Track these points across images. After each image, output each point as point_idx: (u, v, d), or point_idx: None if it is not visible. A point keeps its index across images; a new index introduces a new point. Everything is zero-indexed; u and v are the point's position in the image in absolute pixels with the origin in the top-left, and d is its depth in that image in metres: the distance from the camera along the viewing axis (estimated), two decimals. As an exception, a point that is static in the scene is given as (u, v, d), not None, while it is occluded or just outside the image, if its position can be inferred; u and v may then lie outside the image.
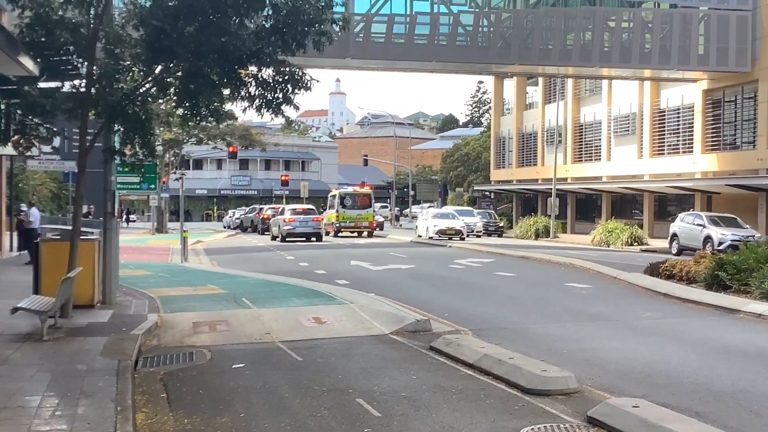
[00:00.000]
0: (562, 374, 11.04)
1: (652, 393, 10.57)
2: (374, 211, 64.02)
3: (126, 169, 20.87)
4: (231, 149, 69.16)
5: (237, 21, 15.37)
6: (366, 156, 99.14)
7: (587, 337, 15.21)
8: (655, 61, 47.36)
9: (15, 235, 33.49)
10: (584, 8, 47.21)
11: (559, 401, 10.26)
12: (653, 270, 24.87)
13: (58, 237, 18.85)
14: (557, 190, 57.09)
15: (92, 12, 15.80)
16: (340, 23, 16.60)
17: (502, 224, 64.21)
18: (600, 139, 61.76)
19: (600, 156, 61.46)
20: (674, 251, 39.00)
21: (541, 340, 14.91)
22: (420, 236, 54.73)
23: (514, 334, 15.55)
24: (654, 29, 47.18)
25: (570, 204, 64.76)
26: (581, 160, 64.08)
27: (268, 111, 16.76)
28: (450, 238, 50.84)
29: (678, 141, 54.00)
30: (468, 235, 53.34)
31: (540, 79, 67.26)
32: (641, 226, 51.98)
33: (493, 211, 68.24)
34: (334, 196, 60.80)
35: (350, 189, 66.97)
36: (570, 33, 46.49)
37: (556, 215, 57.36)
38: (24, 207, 29.76)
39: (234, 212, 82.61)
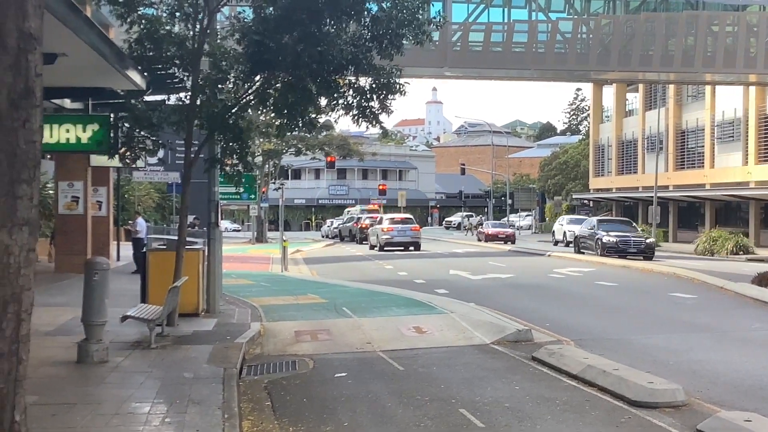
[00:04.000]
0: (669, 386, 10.80)
1: (765, 407, 10.27)
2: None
3: (226, 180, 21.21)
4: (329, 159, 69.71)
5: (334, 30, 15.54)
6: (463, 165, 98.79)
7: (694, 348, 14.88)
8: (761, 65, 46.20)
9: (120, 244, 34.39)
10: (686, 13, 46.35)
11: (666, 414, 10.03)
12: (762, 280, 24.23)
13: (164, 247, 19.22)
14: (658, 198, 56.00)
15: (197, 26, 16.14)
16: (437, 22, 16.57)
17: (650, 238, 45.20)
18: (703, 146, 60.54)
19: (703, 163, 60.23)
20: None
21: (645, 351, 14.63)
22: (558, 241, 57.44)
23: (618, 344, 15.29)
24: (759, 33, 46.09)
25: (671, 212, 63.61)
26: (683, 168, 62.86)
27: (364, 120, 16.88)
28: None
29: (785, 147, 52.60)
30: None
31: (640, 86, 66.30)
32: (747, 235, 50.75)
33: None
34: (355, 211, 75.71)
35: (365, 207, 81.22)
36: (671, 38, 45.69)
37: (658, 224, 56.29)
38: (141, 221, 30.52)
39: (332, 221, 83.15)
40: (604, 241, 41.02)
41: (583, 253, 42.74)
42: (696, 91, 61.54)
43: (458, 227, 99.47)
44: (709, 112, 59.44)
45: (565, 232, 55.77)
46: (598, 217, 52.91)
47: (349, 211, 74.60)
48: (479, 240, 64.86)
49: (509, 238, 61.77)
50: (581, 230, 46.15)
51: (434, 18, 16.41)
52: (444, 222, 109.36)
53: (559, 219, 62.54)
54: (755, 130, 54.56)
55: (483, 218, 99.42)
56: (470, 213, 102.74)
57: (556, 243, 56.95)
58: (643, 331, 17.01)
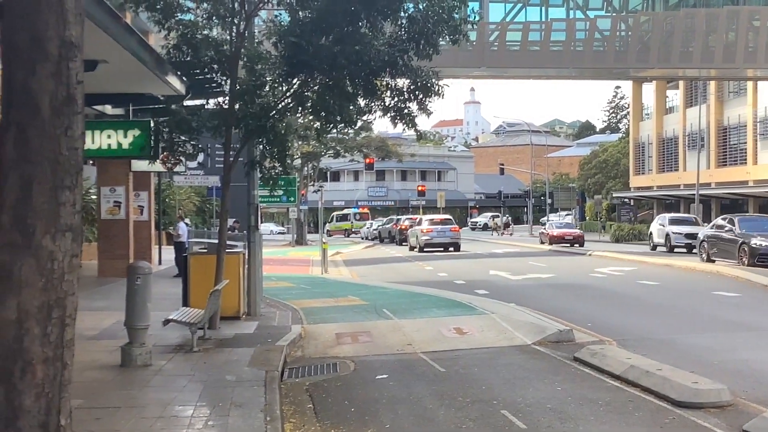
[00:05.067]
0: (714, 386, 10.68)
1: (812, 406, 10.15)
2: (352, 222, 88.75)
3: (264, 183, 21.31)
4: (368, 161, 69.76)
5: (370, 31, 15.55)
6: (502, 165, 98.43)
7: (739, 347, 14.68)
8: (804, 59, 45.65)
9: (161, 248, 34.64)
10: (727, 8, 45.90)
11: (711, 414, 9.91)
12: (807, 277, 23.86)
13: (205, 250, 19.34)
14: (700, 195, 55.45)
15: (234, 30, 16.23)
16: (473, 21, 16.52)
17: None
18: (745, 142, 59.93)
19: (745, 159, 59.63)
20: None
21: (689, 350, 14.48)
22: (655, 245, 46.98)
23: (661, 344, 15.15)
24: (801, 27, 45.50)
25: (714, 209, 62.96)
26: (725, 164, 62.26)
27: (401, 122, 16.88)
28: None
29: (830, 142, 51.95)
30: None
31: (680, 82, 65.73)
32: (792, 232, 50.04)
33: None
34: (348, 213, 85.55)
35: (357, 210, 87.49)
36: (712, 34, 45.29)
37: (702, 219, 55.72)
38: (182, 225, 30.75)
39: (371, 223, 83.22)
40: (754, 245, 30.86)
41: (714, 261, 33.40)
42: (737, 87, 60.93)
43: (484, 228, 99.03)
44: (751, 108, 58.80)
45: (668, 234, 44.81)
46: (738, 216, 37.06)
47: (333, 216, 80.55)
48: (542, 243, 57.60)
49: (577, 240, 54.20)
50: (707, 231, 36.12)
51: (470, 17, 16.36)
52: (469, 223, 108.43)
53: (658, 218, 50.82)
54: (798, 125, 53.90)
55: (509, 218, 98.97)
56: (496, 213, 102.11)
57: (654, 248, 46.89)
58: (687, 331, 16.85)
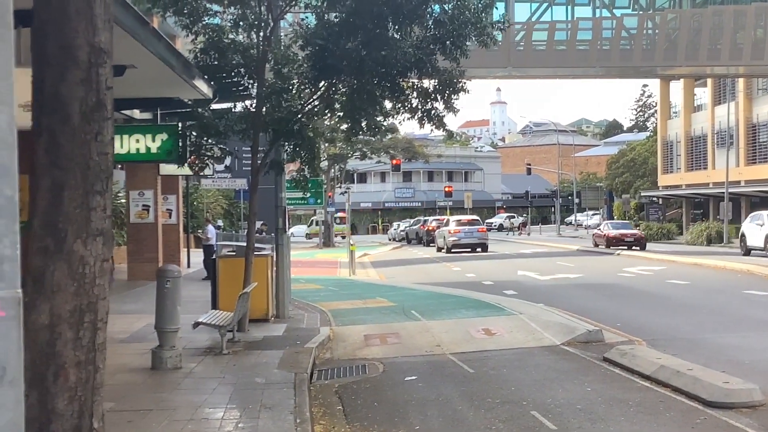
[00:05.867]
0: (746, 386, 10.61)
1: None
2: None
3: (292, 185, 21.35)
4: (394, 162, 69.72)
5: (398, 33, 15.56)
6: (529, 165, 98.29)
7: (770, 346, 14.62)
8: (833, 55, 45.26)
9: (190, 251, 34.82)
10: (755, 5, 45.56)
11: (743, 414, 9.85)
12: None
13: (234, 253, 19.41)
14: (730, 193, 55.00)
15: (261, 34, 16.29)
16: (501, 24, 16.48)
17: None
18: (775, 140, 59.41)
19: (775, 157, 59.11)
20: None
21: (720, 350, 14.38)
22: (749, 248, 40.43)
23: (691, 344, 15.06)
24: (831, 22, 45.14)
25: (744, 208, 62.41)
26: (755, 162, 61.70)
27: (429, 122, 16.89)
28: None
29: None
30: None
31: (708, 80, 65.27)
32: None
33: None
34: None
35: (338, 214, 78.97)
36: (740, 31, 45.01)
37: (729, 220, 55.30)
38: (211, 228, 30.89)
39: (398, 224, 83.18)
40: None
41: None
42: (767, 83, 60.40)
43: (499, 228, 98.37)
44: (781, 105, 58.32)
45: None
46: None
47: (313, 221, 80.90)
48: (596, 245, 52.23)
49: (638, 242, 48.91)
50: None
51: (498, 21, 16.33)
52: (485, 223, 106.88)
53: (753, 216, 42.21)
54: (829, 122, 53.43)
55: (526, 217, 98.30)
56: (512, 214, 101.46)
57: (747, 252, 40.46)
58: (718, 330, 16.74)
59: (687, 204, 70.97)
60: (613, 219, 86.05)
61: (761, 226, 39.26)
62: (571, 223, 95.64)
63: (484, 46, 16.17)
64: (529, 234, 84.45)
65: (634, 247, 47.80)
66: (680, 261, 36.78)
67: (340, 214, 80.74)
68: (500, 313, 19.01)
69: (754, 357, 13.64)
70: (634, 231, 51.93)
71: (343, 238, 71.10)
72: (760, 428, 9.27)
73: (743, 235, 42.04)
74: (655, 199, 76.53)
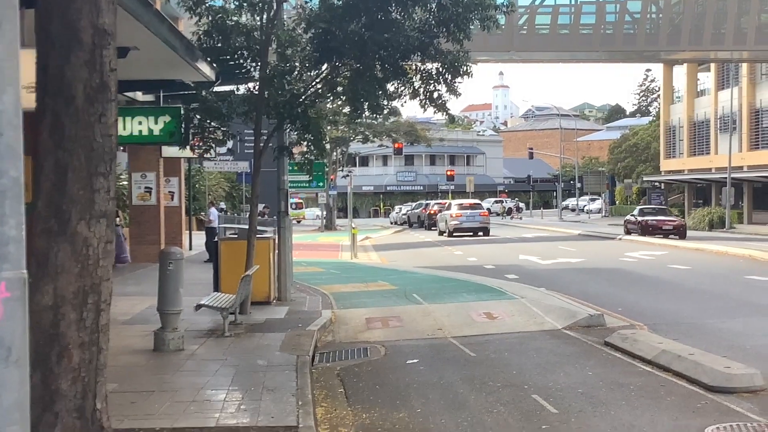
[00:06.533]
0: (747, 371, 10.62)
1: None
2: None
3: (296, 168, 21.32)
4: (396, 145, 69.63)
5: (401, 16, 15.53)
6: (531, 149, 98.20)
7: (771, 332, 14.63)
8: (838, 40, 45.15)
9: (192, 233, 34.84)
10: (759, -11, 45.42)
11: (744, 399, 9.87)
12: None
13: (236, 236, 19.44)
14: (732, 179, 55.00)
15: (264, 17, 16.25)
16: (505, 9, 16.46)
17: None
18: (778, 125, 59.38)
19: (778, 143, 59.08)
20: None
21: (721, 335, 14.40)
22: None
23: (693, 329, 15.08)
24: (835, 8, 45.02)
25: (746, 193, 62.49)
26: (758, 148, 61.65)
27: (432, 105, 16.88)
28: None
29: None
30: None
31: (712, 65, 65.13)
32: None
33: None
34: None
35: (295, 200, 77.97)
36: (744, 15, 44.89)
37: (731, 205, 55.27)
38: (213, 211, 30.96)
39: (400, 208, 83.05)
40: None
41: None
42: (770, 69, 60.31)
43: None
44: (784, 90, 58.25)
45: None
46: None
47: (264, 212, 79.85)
48: (628, 233, 47.24)
49: (677, 231, 44.68)
50: None
51: (502, 5, 16.29)
52: None
53: None
54: (833, 108, 53.37)
55: (519, 202, 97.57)
56: (500, 199, 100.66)
57: None
58: (719, 315, 16.75)
59: (689, 189, 70.98)
60: (615, 204, 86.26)
61: None
62: (567, 207, 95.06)
63: (487, 29, 16.14)
64: (521, 218, 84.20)
65: (672, 236, 43.82)
66: (682, 246, 36.82)
67: (296, 199, 79.20)
68: (501, 297, 19.05)
69: (756, 342, 13.66)
70: (673, 218, 47.76)
71: (299, 222, 70.07)
72: (761, 413, 9.29)
73: None
74: (657, 184, 76.50)
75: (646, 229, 44.69)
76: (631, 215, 49.65)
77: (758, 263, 27.91)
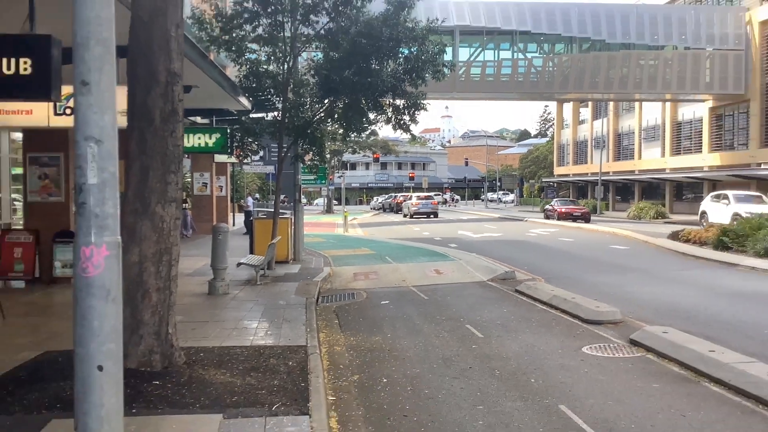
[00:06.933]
0: (610, 309, 10.74)
1: (677, 323, 10.16)
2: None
3: (306, 170, 21.23)
4: (375, 156, 69.56)
5: (379, 67, 15.47)
6: (467, 159, 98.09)
7: (628, 284, 14.73)
8: (674, 87, 45.44)
9: (235, 215, 34.61)
10: (622, 52, 45.54)
11: (609, 328, 9.98)
12: (674, 236, 23.96)
13: (265, 216, 19.35)
14: (602, 180, 55.31)
15: (285, 66, 16.14)
16: (448, 65, 16.46)
17: None
18: (633, 144, 59.70)
19: (633, 156, 59.41)
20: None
21: (594, 285, 14.49)
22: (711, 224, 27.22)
23: (575, 281, 15.17)
24: (673, 65, 45.24)
25: (611, 190, 62.83)
26: (619, 159, 62.02)
27: (399, 129, 16.85)
28: None
29: (690, 144, 51.71)
30: None
31: (590, 103, 65.38)
32: (664, 206, 50.01)
33: None
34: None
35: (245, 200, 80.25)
36: (611, 69, 45.02)
37: (602, 198, 55.56)
38: (250, 199, 30.95)
39: (377, 199, 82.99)
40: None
41: None
42: (629, 105, 60.55)
43: None
44: (638, 120, 58.50)
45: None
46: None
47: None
48: (547, 218, 44.07)
49: (584, 217, 40.60)
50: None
51: (447, 62, 16.25)
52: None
53: (712, 196, 32.76)
54: (670, 132, 53.66)
55: (453, 195, 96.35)
56: (437, 192, 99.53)
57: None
58: (592, 272, 16.85)
59: (573, 187, 71.27)
60: (523, 196, 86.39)
61: (726, 205, 30.12)
62: (483, 199, 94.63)
63: (437, 79, 16.09)
64: (456, 206, 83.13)
65: (579, 221, 39.80)
66: (567, 225, 36.91)
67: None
68: (446, 259, 19.07)
69: (617, 291, 13.77)
70: (581, 207, 43.35)
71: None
72: (620, 336, 9.40)
73: (704, 213, 32.53)
74: (552, 183, 76.74)
75: (562, 215, 41.88)
76: (550, 205, 46.31)
77: (618, 237, 28.08)
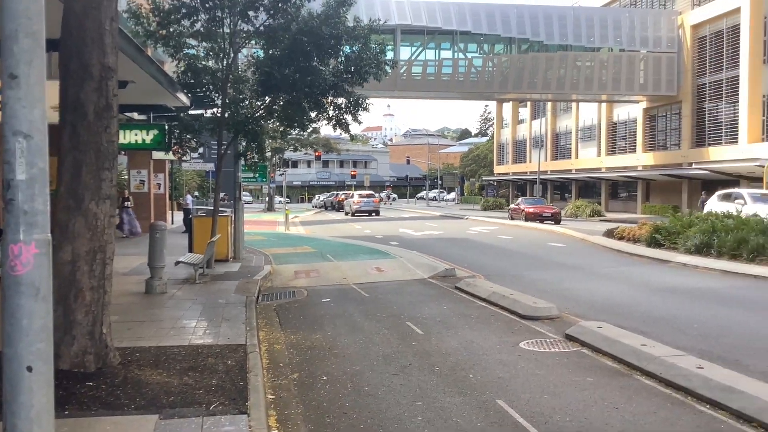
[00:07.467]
0: (547, 305, 10.95)
1: (611, 318, 10.44)
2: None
3: (246, 168, 21.02)
4: (316, 153, 69.34)
5: (320, 65, 15.42)
6: (408, 157, 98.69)
7: (564, 280, 15.04)
8: (609, 88, 46.69)
9: (174, 213, 33.99)
10: (559, 53, 46.56)
11: (545, 324, 10.19)
12: (609, 234, 24.58)
13: (204, 215, 19.08)
14: (540, 179, 56.48)
15: (224, 62, 15.94)
16: (390, 63, 16.50)
17: None
18: (570, 144, 61.08)
19: (570, 155, 60.77)
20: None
21: (532, 282, 14.76)
22: None
23: (513, 278, 15.42)
24: (608, 66, 46.45)
25: (549, 189, 64.16)
26: (557, 159, 63.39)
27: (340, 128, 16.83)
28: None
29: (625, 144, 53.22)
30: None
31: (528, 103, 66.58)
32: (600, 204, 51.37)
33: None
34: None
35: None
36: (549, 70, 45.94)
37: (540, 195, 56.64)
38: (189, 197, 30.43)
39: (319, 197, 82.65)
40: None
41: None
42: (566, 106, 61.96)
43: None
44: (575, 120, 59.88)
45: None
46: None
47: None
48: (512, 219, 39.24)
49: (554, 218, 35.97)
50: None
51: (389, 60, 16.31)
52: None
53: (717, 195, 28.22)
54: (606, 132, 55.09)
55: (390, 193, 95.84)
56: (362, 191, 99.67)
57: None
58: (530, 269, 17.15)
59: (512, 185, 72.49)
60: (464, 194, 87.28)
61: (743, 205, 25.10)
62: (422, 198, 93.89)
63: (378, 79, 16.12)
64: (392, 204, 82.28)
65: (548, 221, 35.66)
66: (506, 224, 37.44)
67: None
68: (387, 257, 19.14)
69: (554, 287, 14.04)
70: (552, 207, 38.41)
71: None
72: (556, 332, 9.60)
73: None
74: (492, 182, 77.88)
75: (530, 216, 36.75)
76: (515, 204, 41.08)
77: (556, 235, 28.63)
